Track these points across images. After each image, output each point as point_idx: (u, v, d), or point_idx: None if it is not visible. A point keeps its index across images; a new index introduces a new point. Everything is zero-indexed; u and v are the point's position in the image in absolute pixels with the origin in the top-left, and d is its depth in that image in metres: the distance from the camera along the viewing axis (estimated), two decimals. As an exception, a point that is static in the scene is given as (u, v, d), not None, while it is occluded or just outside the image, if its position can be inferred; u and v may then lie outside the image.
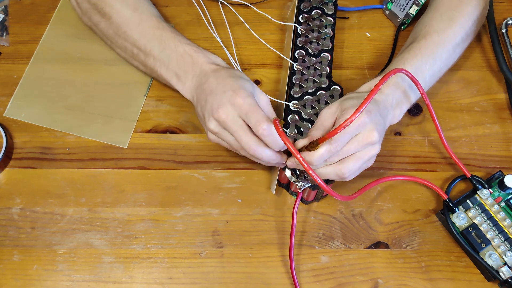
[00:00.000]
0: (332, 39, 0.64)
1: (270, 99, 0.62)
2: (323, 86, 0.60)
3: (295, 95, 0.60)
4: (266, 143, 0.51)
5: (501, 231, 0.57)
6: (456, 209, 0.58)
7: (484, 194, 0.58)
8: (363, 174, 0.62)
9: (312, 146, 0.49)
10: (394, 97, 0.56)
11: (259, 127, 0.50)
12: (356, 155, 0.51)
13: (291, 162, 0.53)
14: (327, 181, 0.55)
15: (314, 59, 0.62)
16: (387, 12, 0.72)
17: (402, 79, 0.56)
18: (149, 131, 0.63)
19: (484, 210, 0.58)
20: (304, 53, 0.63)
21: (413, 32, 0.63)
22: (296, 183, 0.55)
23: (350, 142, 0.51)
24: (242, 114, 0.51)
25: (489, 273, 0.55)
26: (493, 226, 0.57)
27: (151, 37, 0.59)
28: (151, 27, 0.60)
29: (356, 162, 0.51)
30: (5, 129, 0.62)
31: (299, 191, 0.55)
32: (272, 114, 0.54)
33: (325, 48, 0.63)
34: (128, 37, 0.61)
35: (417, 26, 0.63)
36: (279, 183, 0.60)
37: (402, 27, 0.71)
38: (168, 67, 0.58)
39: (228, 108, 0.51)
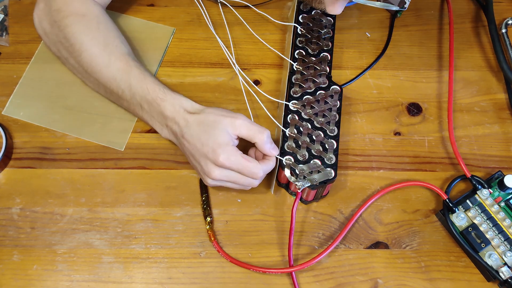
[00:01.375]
0: (331, 39, 0.64)
1: (270, 98, 0.62)
2: (323, 86, 0.60)
3: (294, 95, 0.60)
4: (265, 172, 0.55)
5: (501, 231, 0.57)
6: (456, 209, 0.58)
7: (484, 194, 0.58)
8: (362, 180, 0.62)
9: None
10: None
11: (256, 176, 0.54)
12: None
13: None
14: (324, 182, 0.55)
15: (314, 59, 0.62)
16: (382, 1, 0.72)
17: None
18: (149, 131, 0.63)
19: (484, 210, 0.58)
20: (304, 53, 0.63)
21: None
22: (296, 183, 0.55)
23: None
24: (232, 169, 0.54)
25: (489, 273, 0.55)
26: (493, 226, 0.57)
27: (120, 81, 0.58)
28: (119, 70, 0.58)
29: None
30: (5, 129, 0.62)
31: (299, 191, 0.55)
32: (254, 132, 0.54)
33: (325, 48, 0.63)
34: (99, 77, 0.60)
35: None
36: (279, 183, 0.60)
37: (398, 14, 0.71)
38: (142, 111, 0.59)
39: (217, 170, 0.54)
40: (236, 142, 0.55)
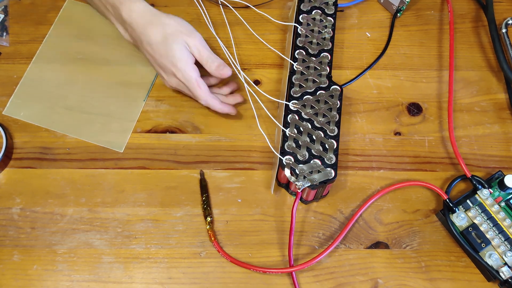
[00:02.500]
0: (332, 39, 0.64)
1: (270, 98, 0.62)
2: (323, 86, 0.60)
3: (294, 95, 0.60)
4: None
5: (501, 231, 0.57)
6: (456, 209, 0.58)
7: (484, 194, 0.58)
8: (362, 180, 0.62)
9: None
10: None
11: (198, 99, 0.60)
12: None
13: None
14: (324, 182, 0.55)
15: (314, 59, 0.62)
16: (382, 1, 0.72)
17: None
18: (149, 131, 0.63)
19: (484, 210, 0.58)
20: (304, 53, 0.63)
21: None
22: (296, 182, 0.55)
23: None
24: (184, 84, 0.59)
25: (489, 273, 0.55)
26: (493, 226, 0.57)
27: None
28: None
29: None
30: (5, 129, 0.62)
31: (299, 190, 0.55)
32: (205, 55, 0.59)
33: (325, 48, 0.63)
34: None
35: None
36: (279, 183, 0.60)
37: (398, 14, 0.71)
38: (108, 13, 0.61)
39: (175, 80, 0.59)
40: (194, 58, 0.59)
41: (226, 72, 0.60)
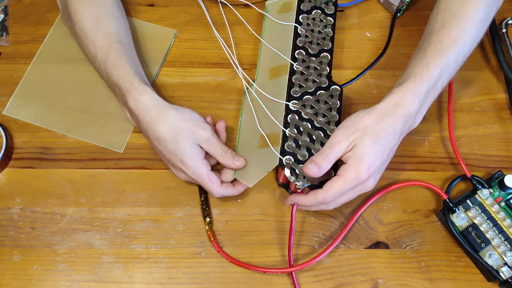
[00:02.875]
0: (332, 39, 0.64)
1: (270, 98, 0.62)
2: (323, 85, 0.60)
3: (294, 95, 0.60)
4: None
5: (501, 231, 0.57)
6: (456, 209, 0.58)
7: (484, 194, 0.58)
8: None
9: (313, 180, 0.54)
10: (416, 105, 0.53)
11: (212, 194, 0.57)
12: (347, 197, 0.54)
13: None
14: (323, 182, 0.55)
15: (314, 59, 0.62)
16: (382, 0, 0.72)
17: (424, 82, 0.53)
18: (149, 131, 0.63)
19: (484, 210, 0.58)
20: (304, 53, 0.63)
21: (431, 18, 0.58)
22: (295, 182, 0.55)
23: (346, 193, 0.53)
24: (196, 182, 0.56)
25: (489, 273, 0.55)
26: (493, 226, 0.57)
27: (100, 60, 0.59)
28: (101, 49, 0.58)
29: (345, 200, 0.55)
30: (5, 129, 0.62)
31: (298, 190, 0.55)
32: (218, 149, 0.56)
33: (325, 48, 0.63)
34: (86, 53, 0.62)
35: (434, 10, 0.58)
36: (279, 183, 0.60)
37: (398, 14, 0.71)
38: (115, 94, 0.60)
39: (184, 176, 0.57)
40: (204, 152, 0.56)
41: (242, 164, 0.57)
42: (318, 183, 0.55)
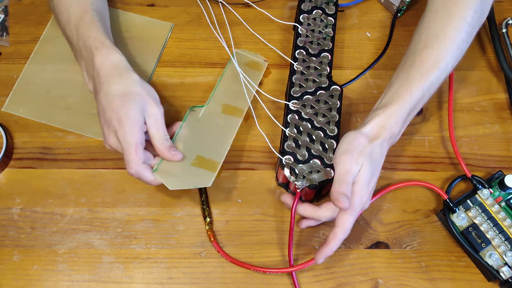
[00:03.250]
0: (332, 39, 0.64)
1: (270, 98, 0.62)
2: (323, 85, 0.60)
3: (295, 95, 0.60)
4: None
5: (501, 231, 0.57)
6: (456, 209, 0.58)
7: (484, 194, 0.58)
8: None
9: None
10: (400, 126, 0.55)
11: (127, 167, 0.54)
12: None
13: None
14: (323, 182, 0.55)
15: (314, 58, 0.62)
16: (382, 0, 0.72)
17: (407, 104, 0.55)
18: (149, 131, 0.63)
19: (484, 210, 0.58)
20: (305, 53, 0.63)
21: (414, 36, 0.59)
22: (295, 182, 0.55)
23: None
24: (122, 148, 0.53)
25: (490, 273, 0.55)
26: (493, 226, 0.57)
27: (72, 24, 0.59)
28: (75, 14, 0.59)
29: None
30: (5, 129, 0.62)
31: (298, 190, 0.55)
32: (161, 132, 0.55)
33: (326, 48, 0.63)
34: (60, 20, 0.61)
35: (417, 28, 0.59)
36: (278, 183, 0.60)
37: (399, 14, 0.71)
38: (81, 58, 0.59)
39: (113, 139, 0.54)
40: (144, 127, 0.54)
41: (177, 158, 0.55)
42: (317, 183, 0.55)
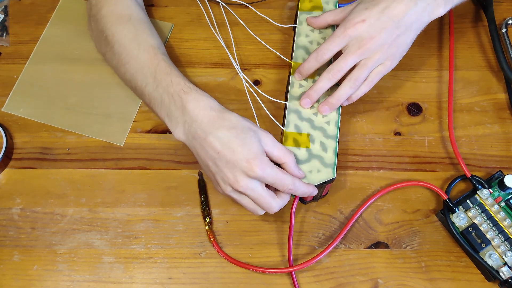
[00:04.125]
0: (332, 39, 0.64)
1: (270, 99, 0.62)
2: (323, 86, 0.60)
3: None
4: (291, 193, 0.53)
5: (501, 231, 0.57)
6: (456, 209, 0.58)
7: (484, 194, 0.58)
8: (362, 180, 0.62)
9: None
10: None
11: (285, 188, 0.51)
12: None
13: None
14: (323, 183, 0.55)
15: (314, 59, 0.62)
16: None
17: None
18: (149, 131, 0.63)
19: (484, 210, 0.58)
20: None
21: None
22: (296, 183, 0.55)
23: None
24: (266, 181, 0.51)
25: (489, 273, 0.55)
26: (493, 226, 0.57)
27: (146, 72, 0.56)
28: (146, 61, 0.57)
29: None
30: (5, 130, 0.62)
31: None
32: (284, 152, 0.53)
33: (325, 48, 0.63)
34: (126, 70, 0.58)
35: None
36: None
37: None
38: (161, 106, 0.55)
39: (246, 180, 0.50)
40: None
41: (302, 174, 0.54)
42: (317, 184, 0.55)
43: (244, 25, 0.69)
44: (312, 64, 0.58)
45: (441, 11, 0.57)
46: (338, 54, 0.58)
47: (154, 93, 0.56)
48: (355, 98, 0.59)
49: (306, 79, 0.61)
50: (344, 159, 0.63)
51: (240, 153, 0.50)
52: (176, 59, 0.68)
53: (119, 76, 0.61)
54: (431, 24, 0.72)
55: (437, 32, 0.72)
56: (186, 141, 0.54)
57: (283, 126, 0.58)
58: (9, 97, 0.65)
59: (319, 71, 0.61)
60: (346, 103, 0.60)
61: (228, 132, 0.51)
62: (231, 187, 0.51)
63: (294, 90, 0.60)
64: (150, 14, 0.71)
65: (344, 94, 0.57)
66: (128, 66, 0.58)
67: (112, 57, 0.60)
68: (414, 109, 0.66)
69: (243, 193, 0.51)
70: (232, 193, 0.52)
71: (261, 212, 0.53)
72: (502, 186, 0.59)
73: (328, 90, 0.58)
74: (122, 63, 0.59)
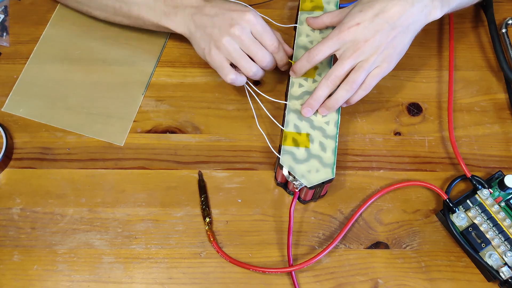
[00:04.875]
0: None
1: (270, 99, 0.62)
2: (323, 86, 0.60)
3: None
4: (276, 58, 0.60)
5: (501, 231, 0.57)
6: (456, 209, 0.58)
7: (484, 194, 0.58)
8: (362, 180, 0.62)
9: None
10: None
11: (273, 46, 0.59)
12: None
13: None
14: (322, 183, 0.55)
15: (314, 59, 0.62)
16: None
17: None
18: (149, 131, 0.63)
19: (484, 210, 0.58)
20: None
21: None
22: (293, 182, 0.55)
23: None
24: (255, 31, 0.58)
25: (489, 273, 0.55)
26: (493, 226, 0.57)
27: None
28: None
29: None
30: (5, 130, 0.62)
31: (296, 190, 0.55)
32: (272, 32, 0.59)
33: (325, 48, 0.63)
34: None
35: None
36: (277, 182, 0.60)
37: None
38: (154, 9, 0.60)
39: (242, 25, 0.57)
40: None
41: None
42: (316, 183, 0.55)
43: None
44: (304, 64, 0.58)
45: (438, 13, 0.57)
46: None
47: (146, 6, 0.60)
48: (353, 101, 0.59)
49: (306, 78, 0.61)
50: (344, 159, 0.63)
51: (233, 6, 0.58)
52: (176, 59, 0.68)
53: (93, 7, 0.64)
54: (431, 24, 0.72)
55: (437, 32, 0.72)
56: (188, 22, 0.60)
57: (282, 125, 0.58)
58: (9, 97, 0.65)
59: (318, 71, 0.61)
60: (344, 105, 0.60)
61: (220, 2, 0.59)
62: (228, 35, 0.56)
63: (294, 90, 0.60)
64: (150, 14, 0.71)
65: (341, 98, 0.57)
66: None
67: None
68: (414, 109, 0.66)
69: (237, 37, 0.57)
70: (229, 44, 0.57)
71: (247, 59, 0.58)
72: (502, 186, 0.59)
73: None
74: None
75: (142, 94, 0.65)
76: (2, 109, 0.64)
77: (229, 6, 0.58)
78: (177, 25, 0.60)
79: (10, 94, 0.65)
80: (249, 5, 0.70)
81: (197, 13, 0.59)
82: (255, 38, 0.58)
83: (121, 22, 0.65)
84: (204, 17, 0.58)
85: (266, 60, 0.59)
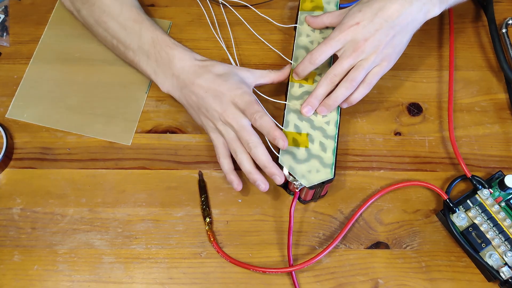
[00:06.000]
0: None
1: (270, 100, 0.62)
2: (323, 86, 0.60)
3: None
4: (261, 128, 0.55)
5: (501, 231, 0.57)
6: (456, 209, 0.58)
7: (484, 194, 0.58)
8: (362, 180, 0.62)
9: None
10: None
11: (255, 115, 0.55)
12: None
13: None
14: (322, 183, 0.55)
15: (314, 59, 0.62)
16: None
17: None
18: (149, 131, 0.63)
19: (484, 210, 0.58)
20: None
21: None
22: (294, 182, 0.55)
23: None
24: (250, 108, 0.55)
25: (490, 273, 0.55)
26: (493, 226, 0.57)
27: (130, 30, 0.60)
28: (130, 19, 0.60)
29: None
30: (6, 130, 0.62)
31: (297, 190, 0.55)
32: (267, 75, 0.60)
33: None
34: (108, 27, 0.61)
35: None
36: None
37: None
38: (147, 62, 0.60)
39: (233, 109, 0.55)
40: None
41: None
42: (316, 184, 0.55)
43: (246, 24, 0.69)
44: (307, 66, 0.58)
45: (437, 10, 0.57)
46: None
47: (138, 50, 0.60)
48: (354, 100, 0.59)
49: (306, 78, 0.61)
50: (344, 159, 0.63)
51: (224, 85, 0.56)
52: (176, 59, 0.68)
53: (96, 33, 0.64)
54: (431, 24, 0.72)
55: (437, 32, 0.72)
56: (175, 93, 0.60)
57: (282, 125, 0.58)
58: (12, 103, 0.64)
59: (318, 71, 0.61)
60: (345, 105, 0.60)
61: (213, 74, 0.57)
62: (220, 119, 0.56)
63: (294, 90, 0.60)
64: (150, 14, 0.71)
65: (340, 95, 0.57)
66: (110, 24, 0.61)
67: (89, 14, 0.62)
68: (414, 109, 0.66)
69: (229, 124, 0.55)
70: (222, 126, 0.56)
71: (241, 151, 0.56)
72: (502, 186, 0.59)
73: None
74: (103, 20, 0.61)
75: (146, 93, 0.65)
76: (6, 115, 0.64)
77: (219, 86, 0.56)
78: (165, 88, 0.60)
79: (13, 100, 0.64)
80: (250, 5, 0.70)
81: (185, 87, 0.58)
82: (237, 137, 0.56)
83: (119, 57, 0.65)
84: (193, 95, 0.58)
85: (252, 142, 0.55)
